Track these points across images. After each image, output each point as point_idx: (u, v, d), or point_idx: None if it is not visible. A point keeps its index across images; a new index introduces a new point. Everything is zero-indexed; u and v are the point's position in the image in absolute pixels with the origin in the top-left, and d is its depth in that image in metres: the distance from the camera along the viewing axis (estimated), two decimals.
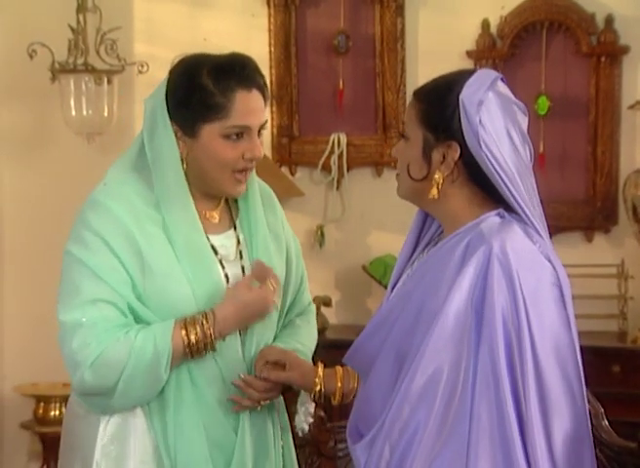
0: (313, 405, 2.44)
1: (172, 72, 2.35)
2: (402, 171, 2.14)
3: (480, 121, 2.01)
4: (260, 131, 2.34)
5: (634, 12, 4.45)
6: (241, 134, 2.31)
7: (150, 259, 2.30)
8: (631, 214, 4.32)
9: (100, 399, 2.32)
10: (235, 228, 2.44)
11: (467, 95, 2.03)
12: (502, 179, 2.02)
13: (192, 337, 2.28)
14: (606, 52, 4.43)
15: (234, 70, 2.30)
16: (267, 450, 2.41)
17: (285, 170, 4.66)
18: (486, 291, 1.95)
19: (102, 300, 2.27)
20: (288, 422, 2.51)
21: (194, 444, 2.33)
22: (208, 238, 2.38)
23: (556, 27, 4.47)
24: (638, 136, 4.50)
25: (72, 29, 4.34)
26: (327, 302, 4.39)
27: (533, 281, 1.98)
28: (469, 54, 4.52)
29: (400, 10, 4.55)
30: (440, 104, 2.05)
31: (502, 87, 2.09)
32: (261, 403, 2.37)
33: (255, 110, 2.31)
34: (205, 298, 2.32)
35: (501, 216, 2.05)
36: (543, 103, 4.46)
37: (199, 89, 2.29)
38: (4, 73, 4.53)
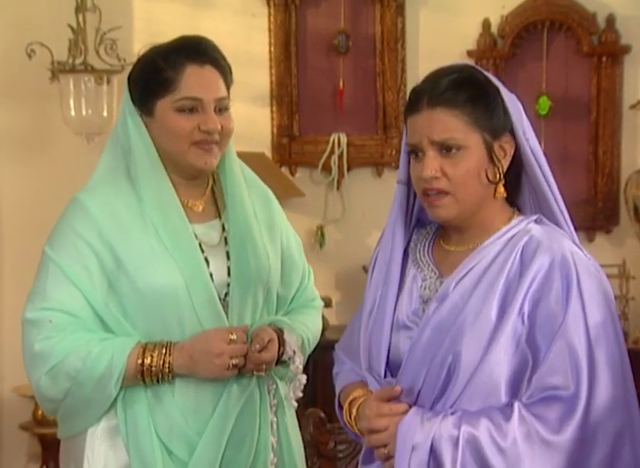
0: (304, 377, 2.42)
1: (135, 63, 2.42)
2: (469, 185, 2.01)
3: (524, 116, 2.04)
4: (221, 108, 2.35)
5: (635, 11, 4.45)
6: (195, 108, 2.32)
7: (128, 258, 2.31)
8: (633, 215, 4.31)
9: (51, 403, 2.36)
10: (221, 218, 2.45)
11: (504, 90, 2.02)
12: (543, 170, 2.03)
13: (147, 361, 2.29)
14: (607, 51, 4.43)
15: (184, 48, 2.35)
16: (252, 427, 2.39)
17: (285, 170, 4.65)
18: (566, 299, 1.93)
19: (69, 305, 2.30)
20: (286, 400, 2.47)
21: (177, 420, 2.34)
22: (192, 227, 2.39)
23: (557, 27, 4.47)
24: (639, 136, 4.49)
25: (72, 29, 4.33)
26: (327, 303, 4.38)
27: (592, 287, 1.96)
28: (470, 53, 4.51)
29: (400, 9, 4.54)
30: (489, 103, 2.00)
31: None
32: (254, 372, 2.37)
33: (207, 84, 2.33)
34: (192, 283, 2.32)
35: (539, 222, 2.04)
36: (544, 103, 4.45)
37: (152, 68, 2.34)
38: (3, 73, 4.52)
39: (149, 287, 2.30)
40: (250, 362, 2.33)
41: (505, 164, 2.02)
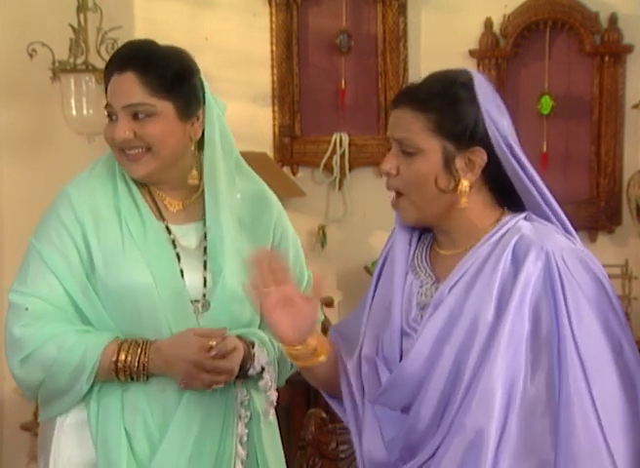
0: (275, 394, 2.39)
1: None
2: (421, 189, 2.02)
3: (506, 125, 2.00)
4: (145, 115, 2.32)
5: (638, 11, 4.44)
6: (116, 116, 2.35)
7: (99, 255, 2.32)
8: (635, 214, 4.30)
9: (28, 390, 2.36)
10: (205, 223, 2.42)
11: (485, 100, 1.99)
12: (532, 180, 2.01)
13: (122, 358, 2.28)
14: (609, 51, 4.42)
15: (117, 56, 2.39)
16: (212, 435, 2.35)
17: (287, 170, 4.64)
18: (553, 296, 1.91)
19: (47, 294, 2.31)
20: (263, 415, 2.45)
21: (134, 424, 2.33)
22: (167, 225, 2.39)
23: (559, 26, 4.46)
24: None
25: (73, 28, 4.32)
26: (329, 303, 4.37)
27: (589, 281, 1.95)
28: (472, 53, 4.50)
29: (402, 9, 4.53)
30: (457, 112, 1.98)
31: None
32: (213, 386, 2.32)
33: (117, 91, 2.35)
34: (161, 282, 2.32)
35: (528, 219, 2.03)
36: (547, 103, 4.44)
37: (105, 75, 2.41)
38: (4, 73, 4.51)
39: (118, 285, 2.31)
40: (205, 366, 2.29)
41: (473, 176, 2.00)
